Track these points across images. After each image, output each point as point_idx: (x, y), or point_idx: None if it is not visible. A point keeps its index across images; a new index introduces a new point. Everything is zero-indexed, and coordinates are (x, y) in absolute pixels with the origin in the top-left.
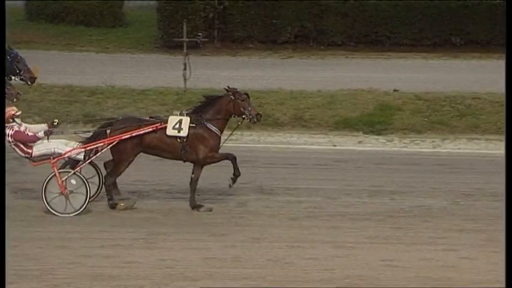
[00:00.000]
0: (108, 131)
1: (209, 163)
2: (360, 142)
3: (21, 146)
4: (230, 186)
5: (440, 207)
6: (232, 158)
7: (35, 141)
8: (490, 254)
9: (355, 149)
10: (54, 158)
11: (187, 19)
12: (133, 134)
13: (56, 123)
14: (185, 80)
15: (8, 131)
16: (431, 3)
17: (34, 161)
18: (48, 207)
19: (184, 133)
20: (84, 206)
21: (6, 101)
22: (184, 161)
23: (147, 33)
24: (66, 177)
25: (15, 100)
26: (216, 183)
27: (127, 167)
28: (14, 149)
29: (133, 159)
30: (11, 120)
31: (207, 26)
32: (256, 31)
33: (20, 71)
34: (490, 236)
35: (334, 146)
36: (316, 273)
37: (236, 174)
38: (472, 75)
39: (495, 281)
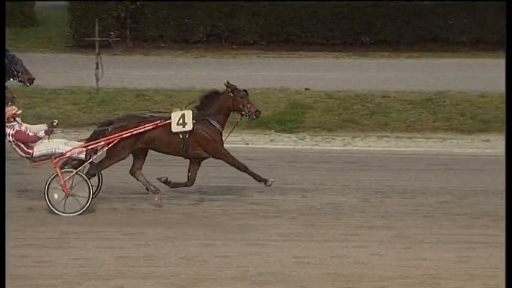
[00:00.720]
0: (109, 130)
1: (219, 158)
2: (272, 140)
3: (22, 146)
4: (271, 184)
5: (351, 205)
6: (243, 167)
7: (35, 141)
8: (399, 251)
9: (268, 147)
10: (55, 158)
11: (99, 18)
12: (134, 132)
13: (55, 124)
14: (97, 79)
15: (9, 131)
16: (341, 3)
17: (34, 161)
18: (51, 207)
19: (189, 127)
20: (87, 205)
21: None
22: (185, 158)
23: (58, 32)
24: (68, 177)
25: (9, 104)
26: (127, 183)
27: (115, 163)
28: (14, 149)
29: (125, 157)
30: (12, 120)
31: (119, 25)
32: (169, 30)
33: (18, 72)
34: (399, 232)
35: (247, 144)
36: (229, 271)
37: (258, 179)
38: (381, 74)
39: (405, 277)
